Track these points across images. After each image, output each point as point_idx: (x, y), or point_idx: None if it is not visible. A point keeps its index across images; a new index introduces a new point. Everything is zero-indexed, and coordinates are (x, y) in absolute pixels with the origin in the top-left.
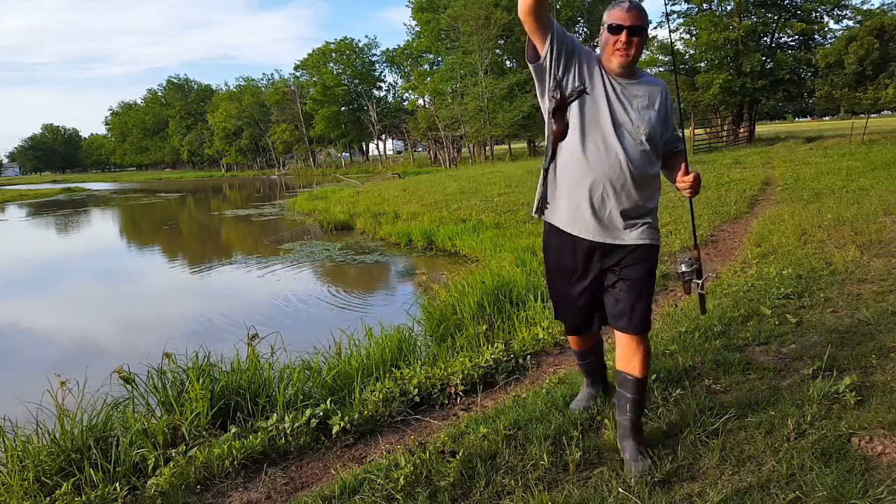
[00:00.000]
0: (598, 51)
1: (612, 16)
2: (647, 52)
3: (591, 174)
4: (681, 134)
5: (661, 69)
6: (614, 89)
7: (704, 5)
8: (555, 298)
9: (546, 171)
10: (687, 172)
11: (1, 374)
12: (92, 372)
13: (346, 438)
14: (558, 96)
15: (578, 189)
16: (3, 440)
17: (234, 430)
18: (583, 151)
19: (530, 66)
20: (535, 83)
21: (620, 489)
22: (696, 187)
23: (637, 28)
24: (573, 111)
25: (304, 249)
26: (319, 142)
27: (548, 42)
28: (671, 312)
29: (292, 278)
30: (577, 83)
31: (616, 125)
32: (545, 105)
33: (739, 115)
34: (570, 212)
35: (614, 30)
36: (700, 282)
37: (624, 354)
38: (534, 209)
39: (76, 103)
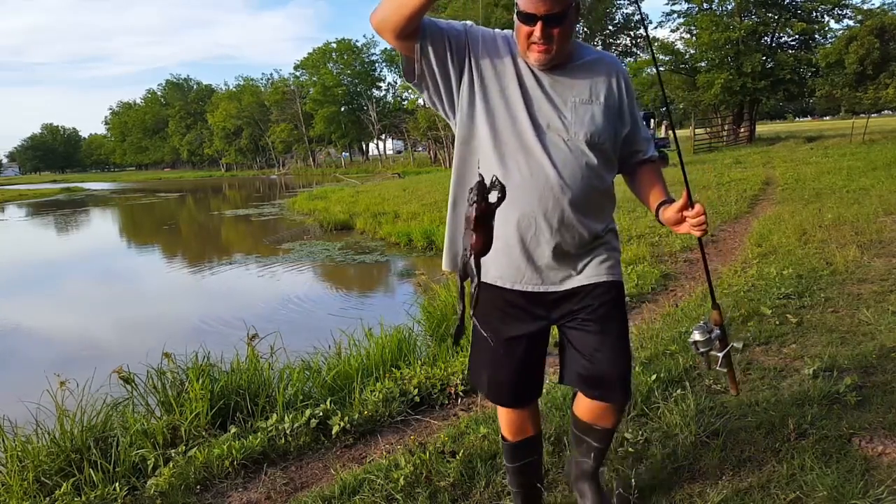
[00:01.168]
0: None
1: None
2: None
3: (516, 207)
4: (652, 130)
5: (663, 69)
6: (538, 82)
7: (705, 5)
8: (480, 357)
9: (456, 207)
10: (690, 204)
11: (1, 374)
12: (91, 372)
13: (346, 438)
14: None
15: (504, 228)
16: (3, 440)
17: (233, 430)
18: (500, 176)
19: (409, 83)
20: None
21: (620, 489)
22: (705, 224)
23: (556, 17)
24: (479, 124)
25: (304, 249)
26: (319, 142)
27: (418, 50)
28: (671, 312)
29: (292, 278)
30: (476, 92)
31: (539, 132)
32: (452, 117)
33: (740, 115)
34: (497, 259)
35: (526, 19)
36: (720, 355)
37: (592, 408)
38: (445, 261)
39: (76, 103)
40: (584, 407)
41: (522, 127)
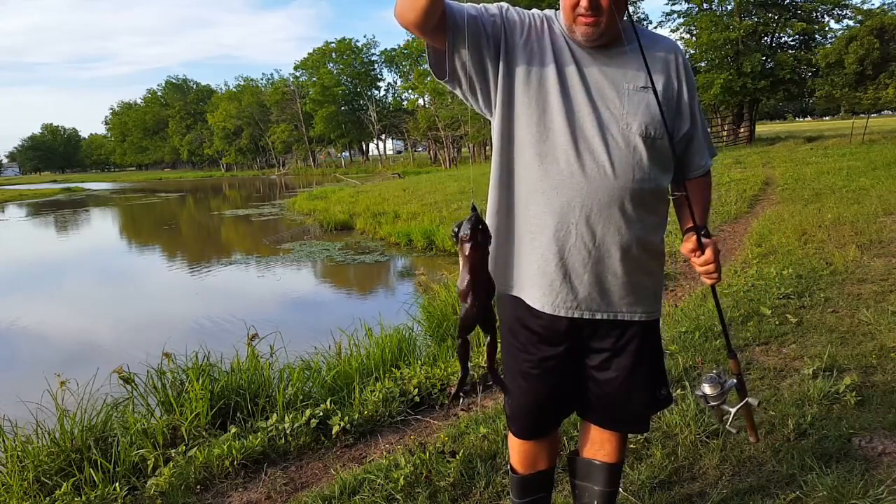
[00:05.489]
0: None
1: None
2: None
3: (554, 212)
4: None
5: None
6: (585, 68)
7: (705, 5)
8: (508, 376)
9: (499, 212)
10: (700, 247)
11: (1, 374)
12: (91, 372)
13: (346, 438)
14: None
15: (539, 237)
16: (3, 440)
17: (233, 430)
18: (540, 176)
19: (440, 80)
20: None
21: (620, 489)
22: (718, 269)
23: None
24: (517, 118)
25: (304, 249)
26: (319, 142)
27: (449, 44)
28: (671, 312)
29: (292, 278)
30: (514, 82)
31: (583, 124)
32: (490, 113)
33: (740, 115)
34: (530, 273)
35: None
36: (732, 410)
37: (594, 438)
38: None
39: (76, 103)
40: (582, 438)
41: (562, 118)
